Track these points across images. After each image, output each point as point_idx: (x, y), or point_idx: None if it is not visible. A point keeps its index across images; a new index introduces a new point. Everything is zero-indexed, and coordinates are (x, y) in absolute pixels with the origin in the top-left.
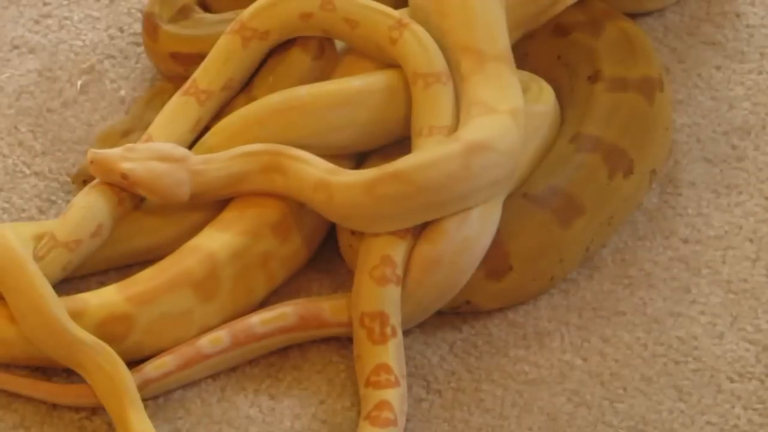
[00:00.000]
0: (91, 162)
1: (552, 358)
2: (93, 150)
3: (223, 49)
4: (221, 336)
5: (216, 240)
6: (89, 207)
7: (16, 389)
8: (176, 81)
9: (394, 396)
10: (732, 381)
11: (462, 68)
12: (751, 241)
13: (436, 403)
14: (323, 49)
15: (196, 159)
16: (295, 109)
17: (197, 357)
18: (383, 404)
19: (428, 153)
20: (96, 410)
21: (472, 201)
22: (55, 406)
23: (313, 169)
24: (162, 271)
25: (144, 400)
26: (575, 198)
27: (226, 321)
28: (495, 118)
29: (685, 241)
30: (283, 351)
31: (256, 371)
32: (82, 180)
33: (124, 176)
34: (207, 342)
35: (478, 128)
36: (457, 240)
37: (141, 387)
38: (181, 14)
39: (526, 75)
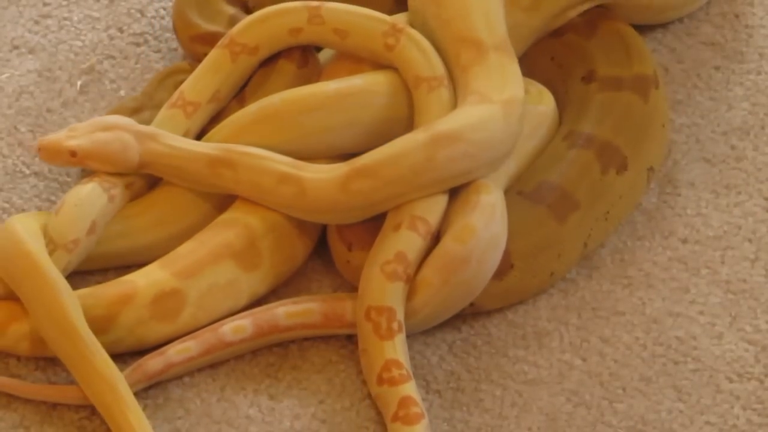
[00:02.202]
0: (40, 149)
1: (551, 358)
2: (40, 138)
3: (211, 62)
4: (245, 325)
5: (251, 213)
6: (81, 204)
7: (15, 392)
8: (192, 63)
9: (413, 389)
10: (731, 381)
11: (462, 59)
12: (750, 241)
13: (436, 404)
14: (307, 59)
15: (147, 128)
16: (270, 117)
17: (219, 344)
18: (407, 400)
19: (393, 146)
20: (96, 410)
21: (438, 189)
22: (54, 406)
23: (274, 164)
24: (201, 244)
25: (161, 383)
26: (569, 193)
27: (273, 287)
28: (482, 108)
29: (684, 241)
30: (283, 351)
31: (256, 371)
32: None
33: (72, 153)
34: (230, 330)
35: (453, 118)
36: (486, 238)
37: (163, 370)
38: (234, 22)
39: (524, 80)
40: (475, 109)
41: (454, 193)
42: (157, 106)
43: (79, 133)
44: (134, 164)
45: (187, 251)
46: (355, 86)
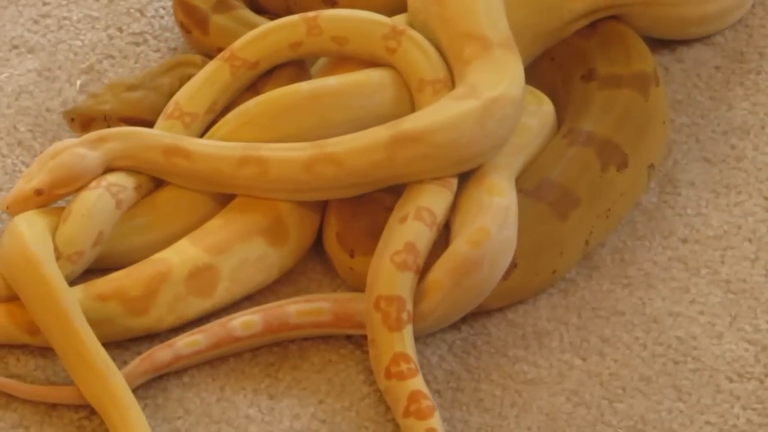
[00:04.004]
0: (8, 208)
1: (551, 358)
2: (2, 200)
3: (210, 74)
4: (254, 321)
5: None
6: (89, 215)
7: (14, 393)
8: (204, 59)
9: (421, 383)
10: (731, 381)
11: (465, 53)
12: (750, 241)
13: (435, 403)
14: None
15: (92, 133)
16: (247, 123)
17: (228, 339)
18: (416, 395)
19: (360, 139)
20: (95, 410)
21: (401, 182)
22: (54, 406)
23: (227, 151)
24: (229, 221)
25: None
26: (569, 190)
27: (299, 260)
28: (458, 105)
29: (684, 240)
30: (283, 351)
31: (256, 371)
32: (71, 118)
33: (38, 192)
34: (239, 325)
35: (422, 116)
36: (499, 241)
37: (171, 362)
38: (222, 6)
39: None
40: (450, 105)
41: (465, 190)
42: (155, 89)
43: (32, 174)
44: (98, 169)
45: (216, 228)
46: (329, 87)
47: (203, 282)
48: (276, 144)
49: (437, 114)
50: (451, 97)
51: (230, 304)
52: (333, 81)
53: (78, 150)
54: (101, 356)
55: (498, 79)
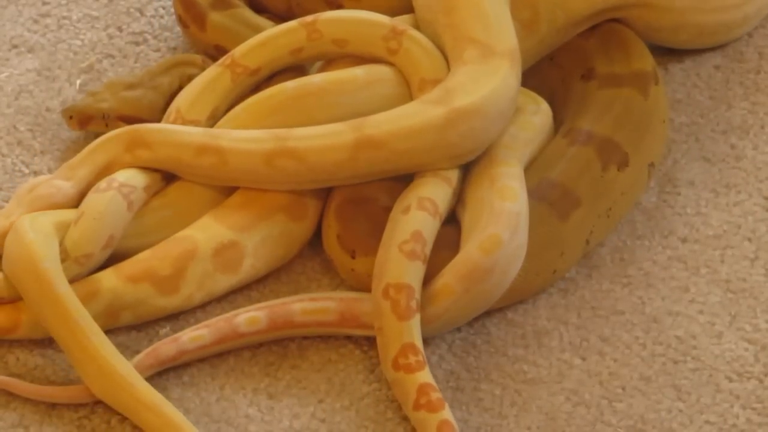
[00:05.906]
0: None
1: (551, 358)
2: None
3: (211, 81)
4: (259, 317)
5: None
6: (101, 218)
7: (15, 391)
8: (206, 59)
9: (429, 375)
10: (731, 380)
11: (464, 55)
12: (749, 240)
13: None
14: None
15: (62, 166)
16: (238, 128)
17: (232, 335)
18: (425, 387)
19: (324, 137)
20: (95, 409)
21: (355, 181)
22: (54, 405)
23: (186, 136)
24: (250, 199)
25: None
26: (570, 190)
27: (315, 232)
28: (426, 110)
29: (684, 240)
30: (282, 350)
31: (255, 370)
32: (69, 116)
33: None
34: (244, 321)
35: (386, 120)
36: (511, 248)
37: (176, 357)
38: (221, 3)
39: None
40: (416, 110)
41: (475, 188)
42: (154, 88)
43: (11, 211)
44: (75, 197)
45: (237, 205)
46: (313, 85)
47: (229, 258)
48: (237, 133)
49: (401, 120)
50: (423, 101)
51: (253, 281)
52: (317, 79)
53: (53, 182)
54: (122, 365)
55: (478, 87)
